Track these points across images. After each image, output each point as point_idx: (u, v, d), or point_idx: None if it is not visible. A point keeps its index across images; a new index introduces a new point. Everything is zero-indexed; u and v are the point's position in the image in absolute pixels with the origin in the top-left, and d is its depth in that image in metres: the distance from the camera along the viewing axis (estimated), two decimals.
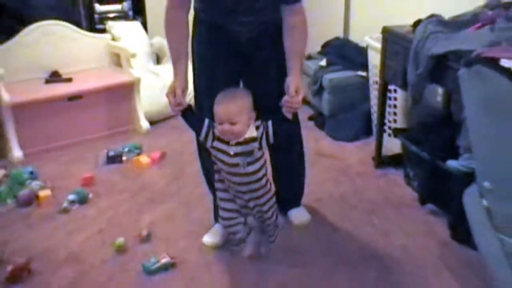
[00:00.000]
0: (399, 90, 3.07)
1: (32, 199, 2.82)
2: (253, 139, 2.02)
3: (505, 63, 1.82)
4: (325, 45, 3.87)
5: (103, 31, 3.96)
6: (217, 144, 2.04)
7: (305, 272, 2.26)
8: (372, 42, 3.19)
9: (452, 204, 2.36)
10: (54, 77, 3.55)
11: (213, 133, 2.03)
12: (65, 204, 2.75)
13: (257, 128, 2.04)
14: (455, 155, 2.49)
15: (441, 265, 2.28)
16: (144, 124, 3.72)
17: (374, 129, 3.28)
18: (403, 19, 2.85)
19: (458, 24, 2.52)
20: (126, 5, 4.11)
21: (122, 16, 4.11)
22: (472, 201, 1.86)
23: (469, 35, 2.37)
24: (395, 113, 3.20)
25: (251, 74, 2.21)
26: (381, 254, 2.38)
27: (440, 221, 2.57)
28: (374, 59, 3.19)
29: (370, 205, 2.77)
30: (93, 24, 4.04)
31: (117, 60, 3.79)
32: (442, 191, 2.52)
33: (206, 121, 2.03)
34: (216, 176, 2.16)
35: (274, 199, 2.20)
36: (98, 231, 2.58)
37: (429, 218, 2.63)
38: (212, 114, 2.01)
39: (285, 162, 2.53)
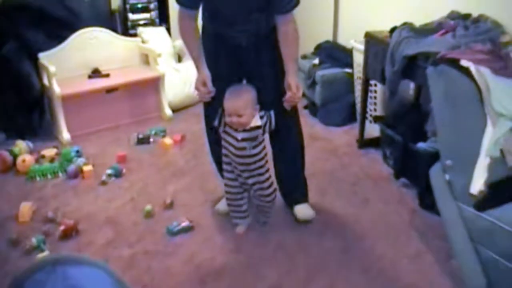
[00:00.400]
0: (378, 85, 3.05)
1: (78, 173, 2.84)
2: (258, 127, 2.03)
3: (464, 63, 1.82)
4: (318, 47, 3.85)
5: (134, 35, 3.95)
6: (228, 129, 2.06)
7: (299, 232, 2.28)
8: (356, 45, 3.16)
9: (420, 178, 2.37)
10: (95, 73, 3.54)
11: (224, 121, 2.04)
12: (104, 177, 2.78)
13: (261, 117, 2.05)
14: (424, 138, 2.51)
15: (411, 228, 2.30)
16: (168, 112, 3.72)
17: (358, 117, 3.26)
18: (382, 26, 2.83)
19: (426, 31, 2.51)
20: (153, 14, 4.11)
21: (150, 23, 4.09)
22: (437, 175, 1.88)
23: (435, 40, 2.37)
24: (375, 103, 3.18)
25: (252, 73, 2.16)
26: (361, 217, 2.39)
27: (410, 192, 2.58)
28: (358, 58, 3.17)
29: (354, 178, 2.78)
30: (127, 30, 4.02)
31: (146, 59, 3.78)
32: (412, 167, 2.52)
33: (219, 110, 2.04)
34: (224, 159, 2.16)
35: (273, 179, 2.20)
36: (130, 199, 2.61)
37: (401, 189, 2.64)
38: (218, 106, 2.02)
39: (284, 152, 2.31)
